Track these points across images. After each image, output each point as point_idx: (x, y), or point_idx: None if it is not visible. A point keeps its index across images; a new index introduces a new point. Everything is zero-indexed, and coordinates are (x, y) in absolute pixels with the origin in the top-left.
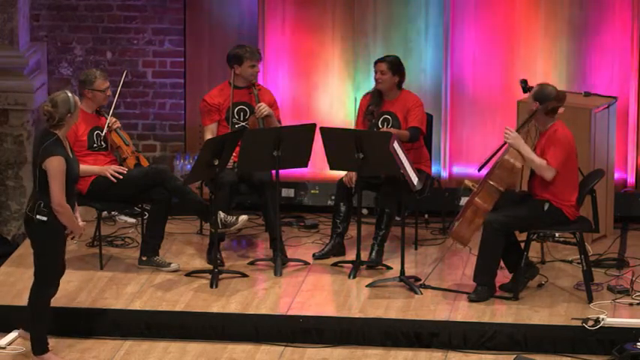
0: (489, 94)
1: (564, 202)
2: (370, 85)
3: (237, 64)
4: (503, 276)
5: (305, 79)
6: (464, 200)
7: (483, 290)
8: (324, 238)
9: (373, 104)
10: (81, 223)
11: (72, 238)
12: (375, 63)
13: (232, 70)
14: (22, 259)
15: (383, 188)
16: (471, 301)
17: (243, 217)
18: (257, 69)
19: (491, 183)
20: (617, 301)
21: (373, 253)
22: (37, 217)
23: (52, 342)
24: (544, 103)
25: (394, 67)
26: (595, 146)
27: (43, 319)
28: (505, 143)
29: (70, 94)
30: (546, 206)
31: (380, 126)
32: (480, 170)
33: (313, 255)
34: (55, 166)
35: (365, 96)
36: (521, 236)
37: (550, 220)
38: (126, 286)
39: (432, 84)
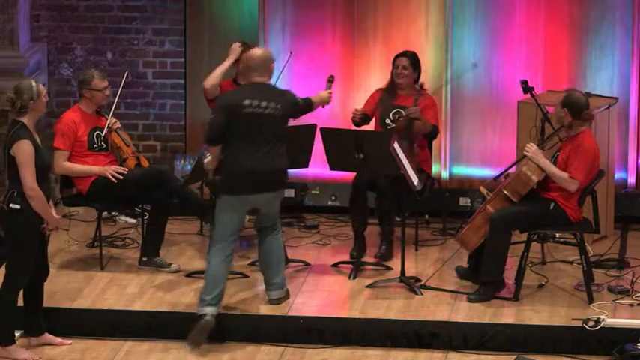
0: (489, 94)
1: (570, 205)
2: (370, 85)
3: (236, 61)
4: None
5: (305, 80)
6: (463, 201)
7: (486, 290)
8: (325, 238)
9: (387, 97)
10: (58, 216)
11: (49, 231)
12: (396, 58)
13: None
14: None
15: (384, 190)
16: (470, 301)
17: None
18: None
19: (505, 193)
20: (618, 301)
21: (383, 248)
22: (11, 205)
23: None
24: (574, 111)
25: (415, 62)
26: None
27: (7, 311)
28: (524, 157)
29: (34, 83)
30: (551, 206)
31: (402, 113)
32: (496, 179)
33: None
34: (22, 150)
35: (379, 90)
36: (522, 236)
37: (552, 220)
38: (126, 286)
39: (432, 84)
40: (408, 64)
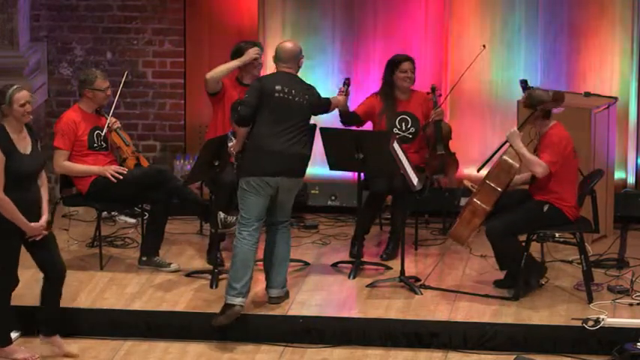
0: (489, 94)
1: (564, 203)
2: (371, 85)
3: (239, 58)
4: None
5: (305, 80)
6: (464, 201)
7: (531, 282)
8: (324, 238)
9: (388, 106)
10: (36, 224)
11: (28, 239)
12: (400, 62)
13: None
14: (21, 260)
15: (394, 201)
16: (515, 299)
17: None
18: (259, 61)
19: (490, 183)
20: (617, 301)
21: (390, 247)
22: None
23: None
24: (540, 106)
25: (414, 66)
26: (595, 146)
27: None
28: (504, 144)
29: (12, 88)
30: (546, 207)
31: (408, 120)
32: (479, 171)
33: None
34: None
35: (375, 95)
36: (521, 236)
37: (550, 221)
38: (126, 286)
39: (432, 84)
40: (414, 68)
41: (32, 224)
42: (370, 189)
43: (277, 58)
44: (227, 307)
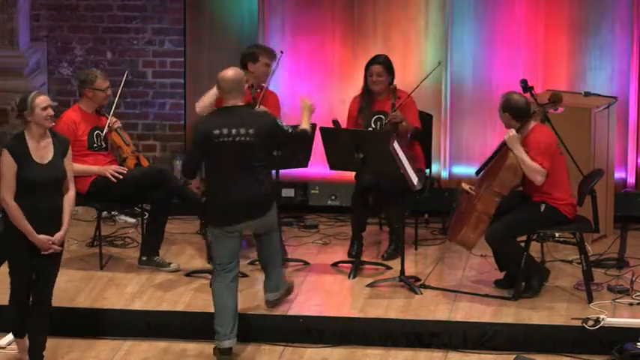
0: (489, 94)
1: (559, 201)
2: None
3: (251, 62)
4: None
5: (305, 80)
6: None
7: (532, 284)
8: (324, 238)
9: (366, 105)
10: (43, 237)
11: (44, 251)
12: (369, 66)
13: (246, 69)
14: None
15: (386, 200)
16: (515, 299)
17: None
18: (270, 69)
19: (495, 189)
20: (617, 301)
21: (391, 248)
22: None
23: (52, 342)
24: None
25: (389, 67)
26: (595, 146)
27: (14, 308)
28: (501, 146)
29: (32, 94)
30: (542, 207)
31: (382, 119)
32: (477, 174)
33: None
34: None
35: (354, 99)
36: (522, 237)
37: (549, 220)
38: (126, 286)
39: (432, 84)
40: (382, 71)
41: (40, 237)
42: (355, 185)
43: (221, 90)
44: (219, 352)
